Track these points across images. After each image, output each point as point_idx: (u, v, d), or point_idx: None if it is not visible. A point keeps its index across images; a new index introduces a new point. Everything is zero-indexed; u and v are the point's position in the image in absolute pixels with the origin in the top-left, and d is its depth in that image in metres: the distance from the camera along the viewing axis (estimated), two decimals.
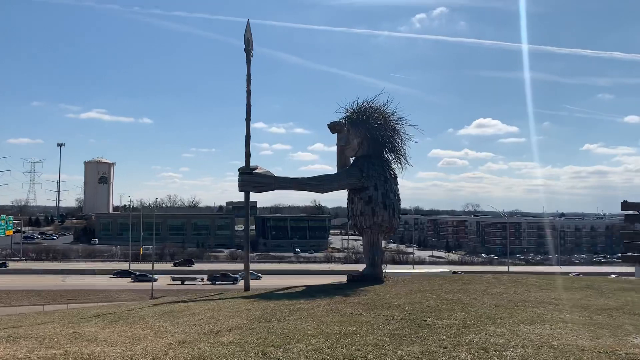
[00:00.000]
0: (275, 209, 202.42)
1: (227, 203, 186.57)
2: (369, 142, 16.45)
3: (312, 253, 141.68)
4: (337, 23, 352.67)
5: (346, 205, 17.11)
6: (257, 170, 15.48)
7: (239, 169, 15.70)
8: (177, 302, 12.39)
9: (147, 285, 75.97)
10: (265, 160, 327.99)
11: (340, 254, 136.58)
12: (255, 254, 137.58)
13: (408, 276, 17.25)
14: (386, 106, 16.65)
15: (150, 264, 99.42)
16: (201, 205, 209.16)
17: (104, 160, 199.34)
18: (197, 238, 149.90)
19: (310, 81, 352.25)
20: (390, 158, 16.63)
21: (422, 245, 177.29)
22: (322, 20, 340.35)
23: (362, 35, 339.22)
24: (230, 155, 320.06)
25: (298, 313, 8.96)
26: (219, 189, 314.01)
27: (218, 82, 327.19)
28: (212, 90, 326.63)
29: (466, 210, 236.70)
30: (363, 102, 16.80)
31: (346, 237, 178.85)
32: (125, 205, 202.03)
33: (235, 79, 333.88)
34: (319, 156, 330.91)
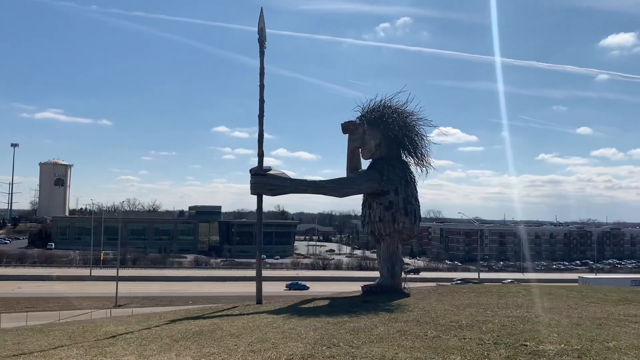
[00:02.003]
0: (240, 214, 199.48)
1: (189, 207, 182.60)
2: (387, 144, 15.45)
3: (277, 259, 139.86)
4: (301, 29, 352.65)
5: (361, 210, 16.06)
6: (271, 172, 14.19)
7: (251, 170, 14.39)
8: (192, 317, 11.03)
9: (108, 291, 72.91)
10: (228, 165, 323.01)
11: (307, 260, 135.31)
12: (219, 259, 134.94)
13: (424, 289, 16.23)
14: (405, 105, 15.69)
15: (110, 269, 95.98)
16: (161, 209, 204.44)
17: (60, 161, 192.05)
18: (159, 243, 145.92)
19: (274, 86, 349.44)
20: (411, 160, 15.67)
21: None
22: (287, 25, 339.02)
23: (326, 41, 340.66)
24: (191, 159, 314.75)
25: (363, 335, 7.80)
26: (178, 193, 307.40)
27: (179, 84, 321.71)
28: (173, 92, 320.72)
29: (428, 217, 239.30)
30: (380, 101, 15.80)
31: (312, 243, 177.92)
32: (82, 208, 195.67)
33: (195, 81, 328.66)
34: (283, 162, 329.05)
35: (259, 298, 13.95)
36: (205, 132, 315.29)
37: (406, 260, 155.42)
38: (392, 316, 9.59)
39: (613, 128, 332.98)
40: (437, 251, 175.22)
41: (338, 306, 11.60)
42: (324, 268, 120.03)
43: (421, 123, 15.62)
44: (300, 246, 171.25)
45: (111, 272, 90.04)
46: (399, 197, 14.81)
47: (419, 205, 15.44)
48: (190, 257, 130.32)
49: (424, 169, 15.44)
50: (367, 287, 15.29)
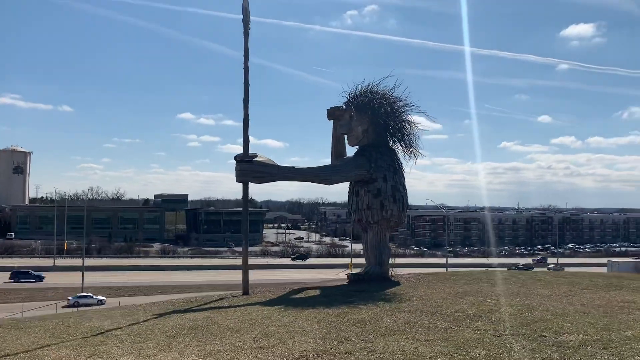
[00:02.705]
0: (207, 202, 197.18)
1: (155, 196, 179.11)
2: (375, 130, 15.13)
3: None
4: (268, 14, 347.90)
5: (347, 198, 15.75)
6: (257, 159, 13.70)
7: (236, 157, 13.87)
8: (180, 311, 10.53)
9: (73, 281, 70.96)
10: (194, 152, 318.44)
11: (276, 248, 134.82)
12: (187, 248, 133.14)
13: (411, 276, 16.05)
14: (392, 91, 15.38)
15: (74, 259, 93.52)
16: (125, 198, 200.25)
17: (19, 148, 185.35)
18: (124, 232, 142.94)
19: (240, 72, 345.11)
20: (398, 147, 15.40)
21: (355, 238, 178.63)
22: (253, 11, 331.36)
23: (293, 28, 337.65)
24: (155, 146, 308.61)
25: (371, 328, 7.49)
26: (142, 181, 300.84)
27: (142, 70, 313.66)
28: (136, 78, 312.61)
29: None
30: (368, 86, 15.45)
31: (281, 231, 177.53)
32: (42, 197, 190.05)
33: (159, 67, 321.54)
34: (250, 149, 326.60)
35: (245, 288, 13.51)
36: (169, 118, 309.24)
37: None
38: (392, 306, 9.33)
39: (572, 117, 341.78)
40: (404, 237, 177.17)
41: (332, 296, 11.29)
42: (293, 255, 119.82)
43: (408, 109, 15.38)
44: (269, 234, 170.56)
45: (76, 262, 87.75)
46: (387, 184, 14.54)
47: (407, 193, 15.22)
48: (156, 246, 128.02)
49: (412, 155, 15.22)
50: (355, 275, 15.02)
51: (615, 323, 7.46)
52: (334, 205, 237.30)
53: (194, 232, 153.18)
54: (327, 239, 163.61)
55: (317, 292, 12.42)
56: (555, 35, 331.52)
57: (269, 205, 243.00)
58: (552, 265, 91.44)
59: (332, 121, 16.64)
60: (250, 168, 13.47)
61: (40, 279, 77.50)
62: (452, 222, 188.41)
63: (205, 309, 10.60)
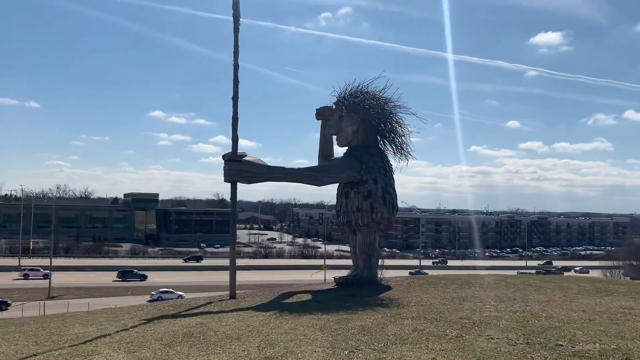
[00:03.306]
0: (178, 202, 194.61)
1: (125, 195, 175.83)
2: (365, 131, 14.89)
3: (218, 248, 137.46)
4: (243, 14, 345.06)
5: (335, 199, 15.46)
6: (246, 158, 13.30)
7: (224, 156, 13.46)
8: (168, 316, 10.07)
9: (39, 282, 69.12)
10: (164, 151, 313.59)
11: (249, 249, 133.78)
12: (157, 249, 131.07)
13: (399, 279, 15.83)
14: (383, 92, 15.17)
15: (41, 259, 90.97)
16: (94, 196, 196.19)
17: None
18: (92, 231, 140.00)
19: (212, 71, 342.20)
20: (389, 149, 15.19)
21: (328, 239, 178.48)
22: (226, 9, 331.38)
23: (267, 28, 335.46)
24: (125, 144, 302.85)
25: (378, 336, 7.20)
26: (111, 180, 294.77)
27: (112, 66, 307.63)
28: (106, 74, 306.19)
29: None
30: (358, 86, 15.20)
31: (253, 231, 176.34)
32: (6, 194, 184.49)
33: (129, 63, 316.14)
34: (221, 148, 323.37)
35: (232, 292, 13.08)
36: (140, 116, 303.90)
37: (346, 247, 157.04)
38: (393, 312, 9.06)
39: (539, 122, 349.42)
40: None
41: (325, 301, 10.97)
42: (266, 257, 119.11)
43: (399, 110, 15.17)
44: (241, 235, 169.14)
45: (42, 261, 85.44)
46: (378, 186, 14.31)
47: (396, 195, 15.03)
48: (126, 246, 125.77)
49: (403, 157, 15.02)
50: (343, 278, 14.73)
51: (627, 331, 7.33)
52: (306, 206, 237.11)
53: (165, 232, 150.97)
54: (299, 240, 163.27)
55: (309, 296, 12.07)
56: (524, 43, 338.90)
57: (241, 205, 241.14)
58: (578, 268, 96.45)
59: (319, 121, 16.35)
60: (239, 168, 13.07)
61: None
62: (423, 224, 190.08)
63: (195, 314, 10.15)
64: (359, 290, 12.57)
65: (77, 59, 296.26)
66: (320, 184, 14.31)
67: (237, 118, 13.62)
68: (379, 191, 14.29)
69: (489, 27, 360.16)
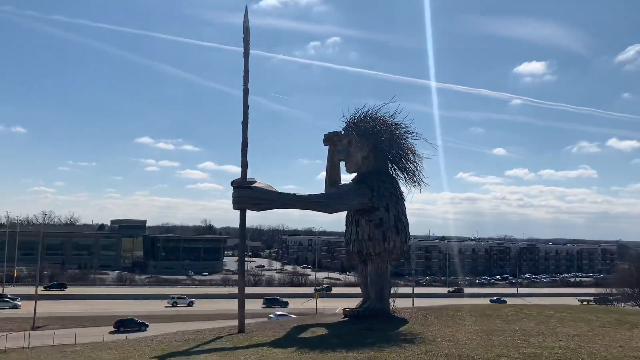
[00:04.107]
0: (165, 229, 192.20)
1: (112, 221, 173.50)
2: (375, 157, 14.54)
3: (205, 276, 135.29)
4: (230, 42, 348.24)
5: (345, 227, 15.00)
6: (255, 184, 12.85)
7: (233, 182, 13.00)
8: (182, 353, 9.44)
9: (23, 311, 67.05)
10: (152, 177, 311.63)
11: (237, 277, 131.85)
12: (144, 276, 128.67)
13: (412, 311, 15.30)
14: (393, 117, 14.89)
15: (23, 287, 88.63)
16: (79, 223, 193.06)
17: None
18: (78, 259, 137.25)
19: (200, 98, 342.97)
20: (400, 176, 14.82)
21: (317, 266, 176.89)
22: (215, 37, 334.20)
23: (256, 56, 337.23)
24: (112, 170, 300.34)
25: None
26: (97, 206, 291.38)
27: (100, 93, 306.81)
28: (94, 100, 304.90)
29: None
30: (368, 111, 14.92)
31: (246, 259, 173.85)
32: None
33: (117, 90, 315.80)
34: (210, 174, 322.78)
35: (241, 326, 12.48)
36: (127, 142, 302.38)
37: (336, 275, 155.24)
38: (422, 350, 8.55)
39: (525, 150, 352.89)
40: None
41: (344, 335, 10.43)
42: (255, 284, 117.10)
43: (410, 136, 14.87)
44: (229, 262, 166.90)
45: (26, 290, 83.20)
46: (390, 214, 13.92)
47: (408, 223, 14.61)
48: (112, 273, 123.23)
49: (417, 184, 14.65)
50: (355, 311, 14.21)
51: None
52: (295, 232, 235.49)
53: (152, 259, 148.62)
54: (288, 267, 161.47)
55: (324, 330, 11.52)
56: (509, 72, 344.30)
57: (229, 232, 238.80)
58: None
59: (327, 147, 16.01)
60: (248, 194, 12.62)
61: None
62: (413, 250, 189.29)
63: (208, 351, 9.54)
64: (375, 323, 12.05)
65: (65, 85, 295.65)
66: (331, 211, 13.88)
67: (247, 143, 13.21)
68: (391, 219, 13.88)
69: (475, 56, 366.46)
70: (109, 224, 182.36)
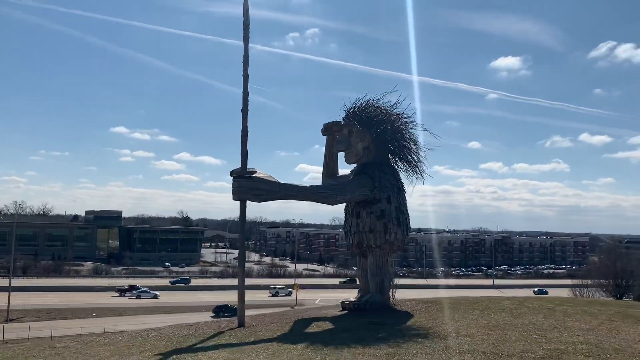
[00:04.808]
0: (141, 220, 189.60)
1: (87, 212, 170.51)
2: (376, 147, 14.22)
3: (183, 267, 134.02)
4: (208, 31, 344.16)
5: (344, 219, 14.69)
6: (256, 174, 12.40)
7: (232, 172, 12.55)
8: (185, 350, 9.01)
9: None
10: (126, 168, 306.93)
11: (216, 268, 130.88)
12: (120, 268, 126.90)
13: (411, 304, 15.05)
14: (395, 107, 14.57)
15: None
16: (52, 214, 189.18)
17: None
18: (52, 250, 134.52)
19: (178, 88, 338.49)
20: (401, 167, 14.52)
21: (298, 258, 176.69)
22: (193, 26, 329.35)
23: (234, 45, 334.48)
24: (86, 160, 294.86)
25: None
26: (70, 197, 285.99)
27: (74, 81, 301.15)
28: (68, 89, 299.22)
29: (333, 223, 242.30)
30: (369, 101, 14.57)
31: (220, 250, 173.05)
32: None
33: (92, 79, 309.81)
34: (185, 165, 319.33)
35: (241, 320, 12.08)
36: (102, 132, 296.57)
37: (314, 266, 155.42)
38: (441, 346, 8.27)
39: (499, 144, 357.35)
40: (345, 257, 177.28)
41: (354, 330, 10.11)
42: (234, 276, 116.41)
43: (412, 127, 14.58)
44: (207, 253, 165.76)
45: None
46: (392, 206, 13.63)
47: (409, 215, 14.35)
48: (87, 265, 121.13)
49: (419, 176, 14.36)
50: (354, 304, 13.90)
51: None
52: (273, 224, 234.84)
53: (128, 250, 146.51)
54: (267, 259, 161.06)
55: (329, 324, 11.20)
56: (485, 66, 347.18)
57: (205, 223, 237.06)
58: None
59: (325, 137, 15.65)
60: (249, 185, 12.17)
61: None
62: None
63: (214, 347, 9.12)
64: (380, 317, 11.77)
65: (37, 72, 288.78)
66: (335, 202, 13.52)
67: (247, 131, 12.70)
68: (392, 211, 13.60)
69: (452, 51, 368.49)
70: (83, 214, 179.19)
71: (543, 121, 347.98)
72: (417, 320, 11.09)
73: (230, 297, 77.96)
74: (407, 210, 14.15)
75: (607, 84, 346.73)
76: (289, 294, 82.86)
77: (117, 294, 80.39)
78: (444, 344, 8.35)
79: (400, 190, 14.09)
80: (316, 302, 74.23)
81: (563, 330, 9.50)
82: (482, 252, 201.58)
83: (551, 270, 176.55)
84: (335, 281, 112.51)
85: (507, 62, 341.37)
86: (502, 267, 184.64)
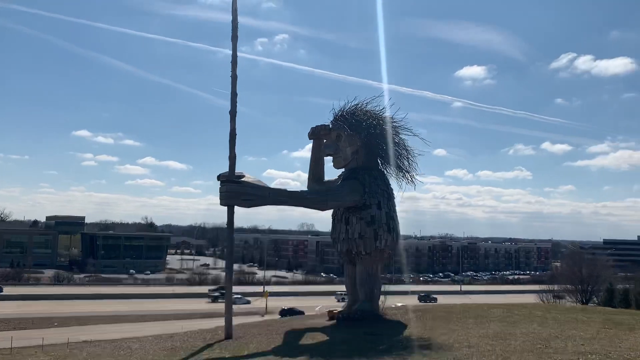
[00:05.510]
0: (105, 226, 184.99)
1: (47, 217, 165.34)
2: (366, 152, 13.90)
3: (148, 274, 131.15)
4: (176, 35, 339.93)
5: (332, 225, 14.26)
6: (244, 179, 11.91)
7: (220, 177, 12.02)
8: None
9: None
10: (89, 172, 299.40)
11: (182, 275, 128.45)
12: (83, 275, 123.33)
13: (400, 312, 14.72)
14: (383, 111, 14.31)
15: None
16: (10, 219, 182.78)
17: None
18: (9, 256, 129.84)
19: (143, 91, 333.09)
20: (391, 172, 14.24)
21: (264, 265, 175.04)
22: (160, 30, 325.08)
23: (201, 49, 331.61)
24: (46, 164, 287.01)
25: None
26: (30, 201, 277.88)
27: (34, 83, 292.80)
28: (28, 91, 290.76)
29: (302, 229, 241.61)
30: (357, 104, 14.27)
31: (186, 257, 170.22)
32: None
33: (54, 80, 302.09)
34: (150, 170, 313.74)
35: (228, 331, 11.52)
36: (64, 135, 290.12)
37: (283, 273, 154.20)
38: (450, 357, 7.93)
39: (464, 151, 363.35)
40: (313, 264, 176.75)
41: (351, 342, 9.70)
42: (201, 283, 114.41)
43: (403, 132, 14.33)
44: (172, 260, 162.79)
45: None
46: (382, 212, 13.31)
47: (399, 221, 14.05)
48: (48, 272, 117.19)
49: (410, 181, 14.09)
50: (343, 313, 13.49)
51: None
52: (240, 230, 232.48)
53: (91, 257, 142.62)
54: (235, 266, 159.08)
55: (323, 335, 10.75)
56: (451, 75, 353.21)
57: (171, 229, 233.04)
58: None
59: (312, 141, 15.24)
60: (238, 189, 11.65)
61: None
62: None
63: None
64: (374, 327, 11.39)
65: None
66: (326, 208, 13.13)
67: (235, 134, 12.19)
68: (383, 217, 13.27)
69: (419, 59, 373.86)
70: (43, 220, 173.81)
71: (506, 130, 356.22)
72: (413, 330, 10.77)
73: (200, 306, 76.50)
74: (397, 217, 13.85)
75: (568, 94, 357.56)
76: (247, 302, 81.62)
77: (209, 300, 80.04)
78: (452, 355, 8.02)
79: (390, 196, 13.78)
80: (316, 309, 73.46)
81: (566, 340, 9.30)
82: (449, 258, 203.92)
83: (516, 276, 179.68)
84: (306, 288, 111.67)
85: (472, 72, 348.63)
86: (468, 273, 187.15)
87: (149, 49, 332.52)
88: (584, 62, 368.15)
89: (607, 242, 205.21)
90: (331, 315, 13.81)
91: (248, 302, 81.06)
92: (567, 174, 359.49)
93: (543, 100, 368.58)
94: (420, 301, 79.19)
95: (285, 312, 62.82)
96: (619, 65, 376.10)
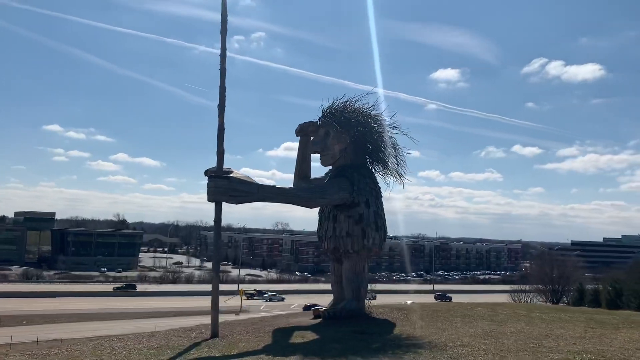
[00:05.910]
0: (75, 222, 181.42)
1: (16, 213, 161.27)
2: (354, 150, 13.78)
3: (120, 272, 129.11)
4: (150, 29, 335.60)
5: (318, 223, 14.09)
6: (233, 175, 11.67)
7: (207, 172, 11.76)
8: None
9: None
10: (59, 167, 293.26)
11: (155, 273, 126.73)
12: (53, 272, 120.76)
13: (384, 311, 14.66)
14: (373, 108, 14.22)
15: None
16: None
17: None
18: None
19: (116, 86, 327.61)
20: (379, 170, 14.15)
21: (238, 263, 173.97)
22: (134, 24, 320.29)
23: (176, 45, 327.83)
24: (14, 158, 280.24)
25: None
26: None
27: (4, 75, 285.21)
28: None
29: (276, 228, 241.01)
30: (346, 101, 14.14)
31: (159, 255, 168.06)
32: None
33: (24, 73, 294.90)
34: (122, 167, 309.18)
35: (214, 330, 11.27)
36: (34, 130, 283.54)
37: (257, 272, 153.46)
38: (446, 356, 7.88)
39: (437, 152, 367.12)
40: (288, 263, 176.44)
41: (342, 340, 9.57)
42: (174, 282, 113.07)
43: (391, 129, 14.25)
44: (145, 258, 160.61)
45: None
46: (370, 210, 13.22)
47: (386, 220, 13.97)
48: (16, 269, 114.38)
49: (398, 179, 14.02)
50: (330, 312, 13.35)
51: None
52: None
53: (61, 254, 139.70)
54: (208, 264, 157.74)
55: (313, 334, 10.60)
56: (425, 77, 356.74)
57: (143, 227, 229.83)
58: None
59: (298, 137, 15.07)
60: (226, 185, 11.41)
61: None
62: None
63: None
64: (362, 325, 11.30)
65: None
66: (314, 205, 12.98)
67: (224, 129, 11.93)
68: (371, 215, 13.18)
69: (394, 61, 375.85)
70: (11, 215, 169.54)
71: (478, 132, 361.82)
72: (402, 329, 10.70)
73: (173, 304, 75.58)
74: (384, 215, 13.77)
75: (539, 99, 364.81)
76: (282, 299, 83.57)
77: (246, 298, 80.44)
78: (448, 354, 7.97)
79: (378, 194, 13.70)
80: (261, 308, 73.17)
81: (557, 339, 9.35)
82: (421, 257, 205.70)
83: (487, 276, 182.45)
84: (280, 287, 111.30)
85: (446, 74, 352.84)
86: (440, 273, 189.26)
87: (123, 43, 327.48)
88: (555, 68, 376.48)
89: (574, 244, 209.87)
90: (316, 313, 13.68)
91: (282, 299, 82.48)
92: (537, 177, 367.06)
93: (514, 103, 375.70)
94: (436, 300, 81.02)
95: (308, 308, 64.04)
96: (588, 71, 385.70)
